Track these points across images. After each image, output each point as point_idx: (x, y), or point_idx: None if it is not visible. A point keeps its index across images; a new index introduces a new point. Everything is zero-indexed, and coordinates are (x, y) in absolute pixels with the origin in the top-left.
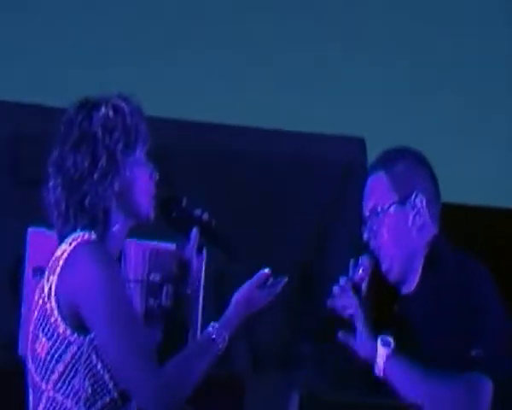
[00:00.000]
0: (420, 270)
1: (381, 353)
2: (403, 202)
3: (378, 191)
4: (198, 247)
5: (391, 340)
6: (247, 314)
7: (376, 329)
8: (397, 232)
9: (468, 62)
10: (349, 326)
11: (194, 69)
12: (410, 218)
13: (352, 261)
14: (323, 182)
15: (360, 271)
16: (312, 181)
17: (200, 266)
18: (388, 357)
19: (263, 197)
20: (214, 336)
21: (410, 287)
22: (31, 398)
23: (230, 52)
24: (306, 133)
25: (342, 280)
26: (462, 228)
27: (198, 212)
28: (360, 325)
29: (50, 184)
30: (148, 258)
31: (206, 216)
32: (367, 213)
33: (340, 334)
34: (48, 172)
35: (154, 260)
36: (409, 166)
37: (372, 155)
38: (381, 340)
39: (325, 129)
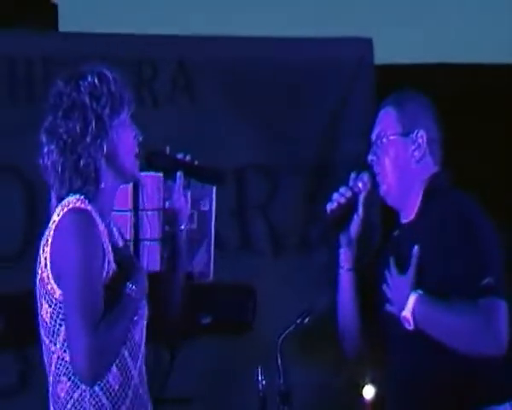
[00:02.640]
0: (418, 202)
1: (412, 297)
2: (406, 134)
3: (385, 121)
4: (184, 186)
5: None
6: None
7: (378, 251)
8: (397, 160)
9: None
10: (344, 229)
11: None
12: (410, 149)
13: (353, 174)
14: (334, 82)
15: (360, 184)
16: (324, 82)
17: (187, 204)
18: (417, 300)
19: (279, 100)
20: (134, 295)
21: (408, 216)
22: (45, 361)
23: None
24: (317, 38)
25: (342, 189)
26: None
27: (180, 156)
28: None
29: (45, 150)
30: (163, 188)
31: (188, 158)
32: (373, 139)
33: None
34: (41, 140)
35: (168, 190)
36: (416, 106)
37: None
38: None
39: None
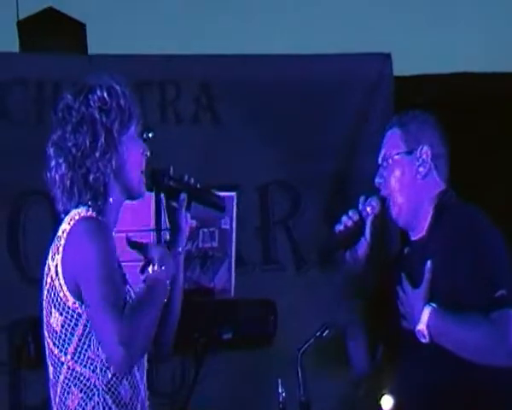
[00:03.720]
0: (429, 219)
1: (426, 311)
2: (410, 152)
3: (390, 142)
4: (186, 208)
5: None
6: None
7: (388, 269)
8: (403, 179)
9: None
10: (351, 248)
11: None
12: (415, 166)
13: (362, 198)
14: (354, 97)
15: (368, 209)
16: (344, 98)
17: (187, 226)
18: (432, 313)
19: (299, 117)
20: (159, 277)
21: (419, 233)
22: (50, 371)
23: None
24: (338, 54)
25: (350, 211)
26: None
27: (185, 178)
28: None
29: (53, 163)
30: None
31: (191, 180)
32: (380, 161)
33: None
34: (49, 153)
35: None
36: (420, 124)
37: None
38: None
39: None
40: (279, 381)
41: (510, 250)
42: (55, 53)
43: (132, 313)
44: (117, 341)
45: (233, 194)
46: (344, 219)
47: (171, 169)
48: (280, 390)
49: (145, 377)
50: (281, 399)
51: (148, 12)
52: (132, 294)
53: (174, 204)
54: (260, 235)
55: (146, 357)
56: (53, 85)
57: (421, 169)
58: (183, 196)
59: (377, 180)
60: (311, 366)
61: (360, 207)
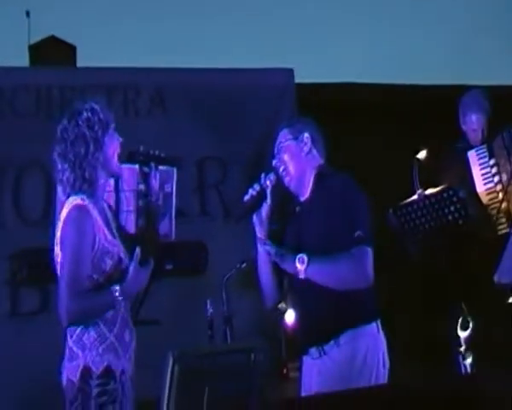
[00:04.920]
0: (311, 184)
1: (300, 267)
2: (295, 138)
3: (281, 136)
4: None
5: (304, 256)
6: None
7: (284, 223)
8: (292, 156)
9: None
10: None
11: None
12: (300, 146)
13: (262, 175)
14: (260, 110)
15: (267, 181)
16: (257, 100)
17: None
18: (306, 268)
19: (226, 112)
20: (117, 295)
21: (304, 195)
22: None
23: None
24: (251, 68)
25: (255, 185)
26: None
27: (155, 152)
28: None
29: (59, 167)
30: (140, 174)
31: (157, 152)
32: (275, 150)
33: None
34: (55, 159)
35: (143, 175)
36: (302, 122)
37: None
38: (298, 259)
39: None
40: (208, 301)
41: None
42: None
43: (84, 300)
44: (64, 311)
45: (174, 168)
46: (250, 190)
47: (141, 147)
48: (208, 307)
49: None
50: (209, 314)
51: (121, 38)
52: (125, 262)
53: (146, 169)
54: (197, 195)
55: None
56: (46, 90)
57: (304, 148)
58: (152, 165)
59: (274, 162)
60: (233, 289)
61: (262, 181)
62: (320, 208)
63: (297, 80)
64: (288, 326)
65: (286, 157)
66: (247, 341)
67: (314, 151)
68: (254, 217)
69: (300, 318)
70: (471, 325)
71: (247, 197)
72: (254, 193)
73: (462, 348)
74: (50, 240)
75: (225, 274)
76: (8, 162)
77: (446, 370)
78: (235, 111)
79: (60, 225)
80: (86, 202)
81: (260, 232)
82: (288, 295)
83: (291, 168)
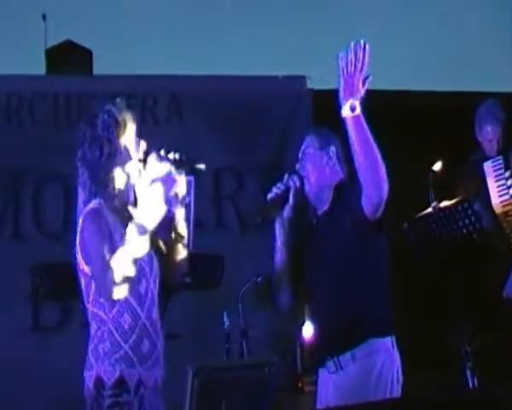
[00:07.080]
0: (330, 198)
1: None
2: (321, 149)
3: (307, 141)
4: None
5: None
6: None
7: (305, 232)
8: (315, 167)
9: None
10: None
11: None
12: (325, 159)
13: (286, 175)
14: (275, 116)
15: (291, 183)
16: (273, 109)
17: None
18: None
19: (242, 121)
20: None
21: (323, 208)
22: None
23: None
24: (267, 76)
25: (279, 184)
26: None
27: (171, 154)
28: None
29: (80, 171)
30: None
31: (176, 154)
32: (300, 155)
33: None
34: (77, 165)
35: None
36: (330, 134)
37: None
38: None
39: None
40: (224, 313)
41: None
42: (68, 74)
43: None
44: (101, 285)
45: (191, 178)
46: (274, 189)
47: (161, 149)
48: (225, 320)
49: (148, 307)
50: (226, 327)
51: (139, 44)
52: None
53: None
54: (214, 206)
55: (151, 292)
56: (65, 97)
57: (329, 163)
58: (169, 167)
59: (297, 166)
60: (249, 302)
61: (285, 181)
62: (338, 224)
63: (316, 87)
64: (304, 340)
65: (309, 166)
66: (261, 356)
67: (337, 166)
68: (276, 222)
69: (317, 329)
70: (479, 338)
71: (270, 195)
72: (278, 192)
73: (470, 362)
74: (71, 253)
75: (241, 287)
76: (27, 172)
77: (455, 382)
78: (251, 118)
79: (78, 233)
80: (102, 205)
81: (280, 235)
82: (305, 307)
83: (312, 179)
